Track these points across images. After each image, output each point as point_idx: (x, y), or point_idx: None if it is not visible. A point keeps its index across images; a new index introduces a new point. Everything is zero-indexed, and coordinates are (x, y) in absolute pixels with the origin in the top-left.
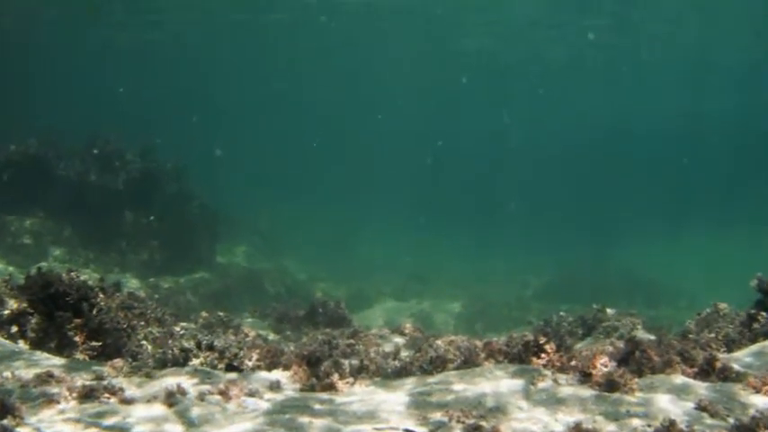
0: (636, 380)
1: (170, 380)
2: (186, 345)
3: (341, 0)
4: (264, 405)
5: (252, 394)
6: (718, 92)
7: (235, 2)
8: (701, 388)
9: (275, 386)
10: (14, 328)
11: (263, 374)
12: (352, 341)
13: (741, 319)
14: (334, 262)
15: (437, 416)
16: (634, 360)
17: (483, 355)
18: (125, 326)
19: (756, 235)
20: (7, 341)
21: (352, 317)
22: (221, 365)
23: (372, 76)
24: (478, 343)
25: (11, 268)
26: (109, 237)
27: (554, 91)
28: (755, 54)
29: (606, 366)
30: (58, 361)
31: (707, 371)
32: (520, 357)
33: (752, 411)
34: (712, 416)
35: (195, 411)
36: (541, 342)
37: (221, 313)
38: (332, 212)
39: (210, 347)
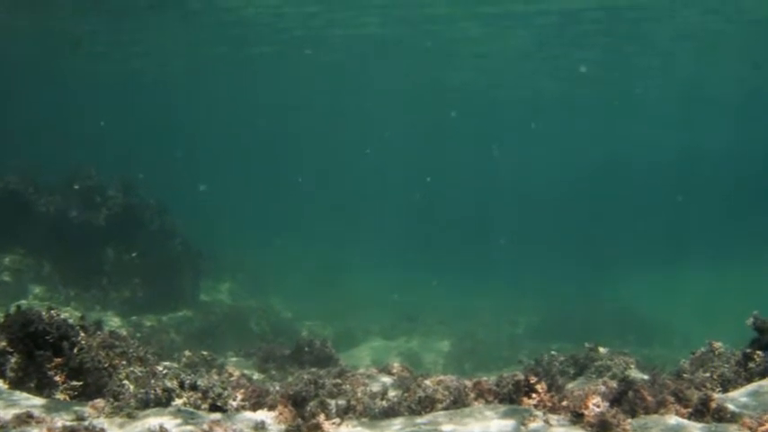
0: (629, 420)
1: (152, 420)
2: (169, 384)
3: (327, 33)
4: None
5: None
6: (713, 126)
7: (218, 35)
8: (696, 429)
9: (260, 427)
10: None
11: (248, 415)
12: (338, 381)
13: (737, 359)
14: (321, 300)
15: None
16: (627, 400)
17: (472, 395)
18: (106, 365)
19: (752, 272)
20: None
21: (338, 356)
22: (205, 406)
23: (360, 110)
24: (468, 383)
25: None
26: (90, 274)
27: (546, 125)
28: (752, 86)
29: (599, 407)
30: (38, 401)
31: (702, 411)
32: (510, 397)
33: None
34: None
35: None
36: (532, 382)
37: (205, 352)
38: (318, 249)
39: (194, 387)
